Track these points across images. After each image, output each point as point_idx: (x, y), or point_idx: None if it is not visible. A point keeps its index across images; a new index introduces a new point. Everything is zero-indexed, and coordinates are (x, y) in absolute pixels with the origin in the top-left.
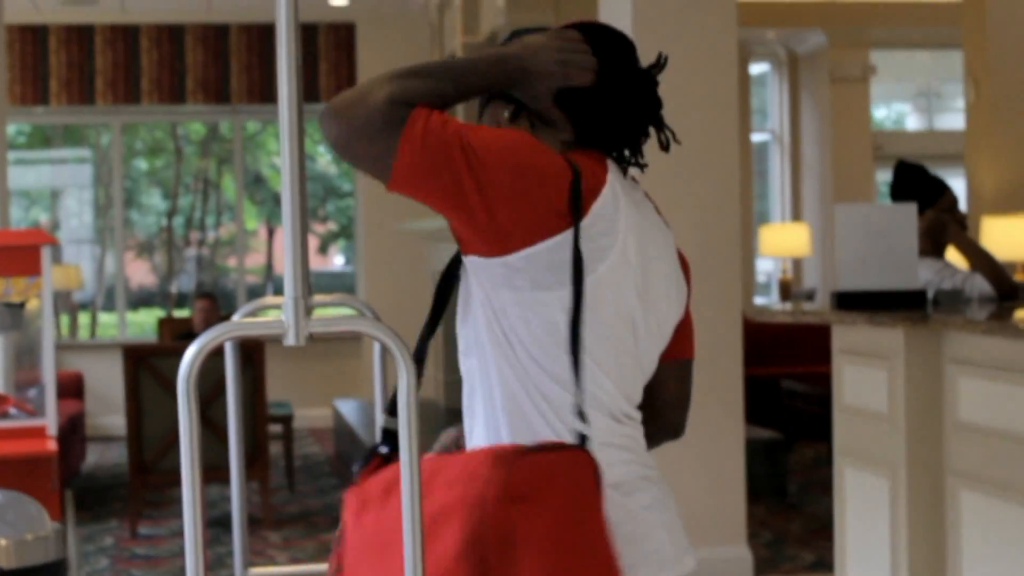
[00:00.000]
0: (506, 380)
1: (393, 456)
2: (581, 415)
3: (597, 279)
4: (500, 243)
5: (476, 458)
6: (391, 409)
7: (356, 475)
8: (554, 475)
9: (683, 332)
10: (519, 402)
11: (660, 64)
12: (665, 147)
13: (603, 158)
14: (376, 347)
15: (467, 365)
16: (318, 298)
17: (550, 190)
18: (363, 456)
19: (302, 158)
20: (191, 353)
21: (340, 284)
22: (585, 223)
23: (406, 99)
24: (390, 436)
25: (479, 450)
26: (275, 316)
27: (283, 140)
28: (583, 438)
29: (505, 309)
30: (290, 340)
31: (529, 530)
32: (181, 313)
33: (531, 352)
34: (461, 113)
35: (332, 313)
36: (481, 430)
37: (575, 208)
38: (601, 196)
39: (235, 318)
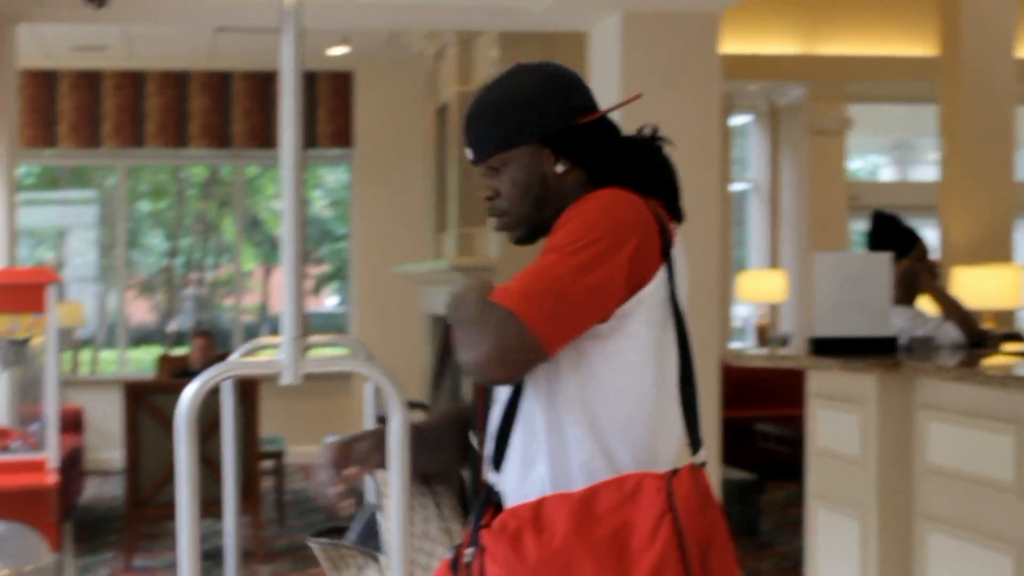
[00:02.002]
0: (559, 410)
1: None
2: (695, 444)
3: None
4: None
5: (634, 477)
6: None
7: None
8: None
9: None
10: (575, 431)
11: (655, 135)
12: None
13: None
14: (367, 386)
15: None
16: (313, 338)
17: (651, 242)
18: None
19: (302, 206)
20: (191, 391)
21: (334, 324)
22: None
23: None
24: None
25: (631, 475)
26: (272, 356)
27: (285, 187)
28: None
29: (585, 349)
30: (287, 379)
31: (717, 536)
32: (180, 351)
33: (614, 386)
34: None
35: (326, 353)
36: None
37: (666, 253)
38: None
39: (233, 357)
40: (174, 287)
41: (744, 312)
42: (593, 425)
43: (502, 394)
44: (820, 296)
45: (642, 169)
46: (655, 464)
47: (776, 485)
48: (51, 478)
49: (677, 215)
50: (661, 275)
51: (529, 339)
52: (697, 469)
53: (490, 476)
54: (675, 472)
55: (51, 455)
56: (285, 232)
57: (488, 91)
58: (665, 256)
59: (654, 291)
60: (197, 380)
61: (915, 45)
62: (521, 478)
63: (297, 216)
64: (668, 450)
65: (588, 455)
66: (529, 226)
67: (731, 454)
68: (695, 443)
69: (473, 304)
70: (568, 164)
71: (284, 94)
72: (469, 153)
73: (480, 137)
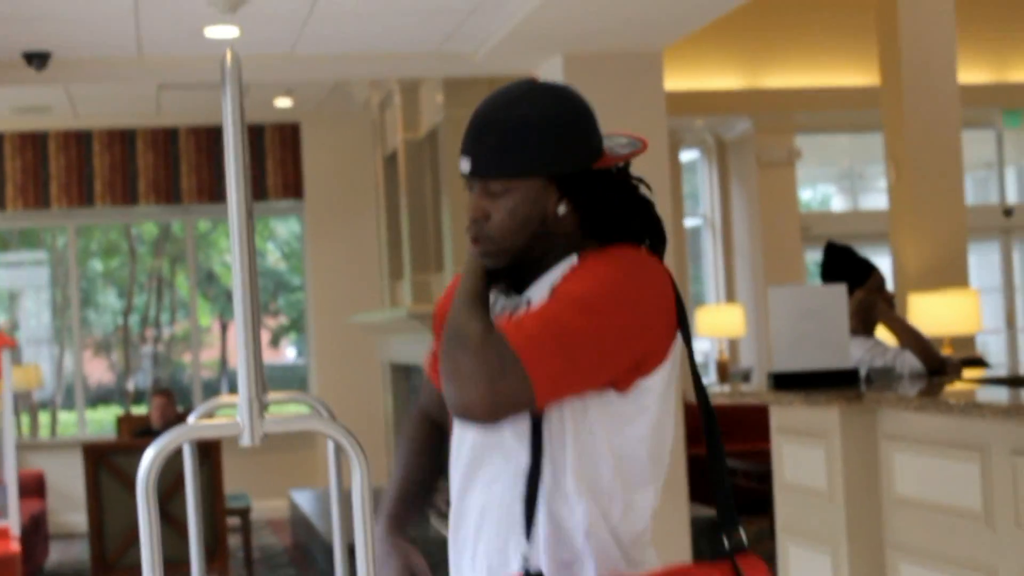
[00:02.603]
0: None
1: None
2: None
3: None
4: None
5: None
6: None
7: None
8: None
9: None
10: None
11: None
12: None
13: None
14: (330, 442)
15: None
16: (273, 395)
17: (669, 317)
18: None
19: (253, 264)
20: (149, 456)
21: (292, 376)
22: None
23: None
24: None
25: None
26: (231, 416)
27: (234, 252)
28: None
29: (587, 409)
30: (245, 441)
31: None
32: (139, 409)
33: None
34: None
35: (287, 411)
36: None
37: (680, 313)
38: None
39: (191, 419)
40: (131, 345)
41: (704, 347)
42: (593, 491)
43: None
44: (777, 331)
45: (637, 223)
46: (640, 523)
47: (747, 520)
48: (13, 545)
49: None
50: (676, 348)
51: (527, 391)
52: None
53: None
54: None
55: (12, 522)
56: (237, 293)
57: (509, 106)
58: (682, 324)
59: (668, 367)
60: (155, 445)
61: (858, 74)
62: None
63: (250, 276)
64: (648, 512)
65: (589, 520)
66: (511, 258)
67: (699, 491)
68: (730, 523)
69: (477, 325)
70: (570, 207)
71: (227, 150)
72: (467, 164)
73: (490, 154)
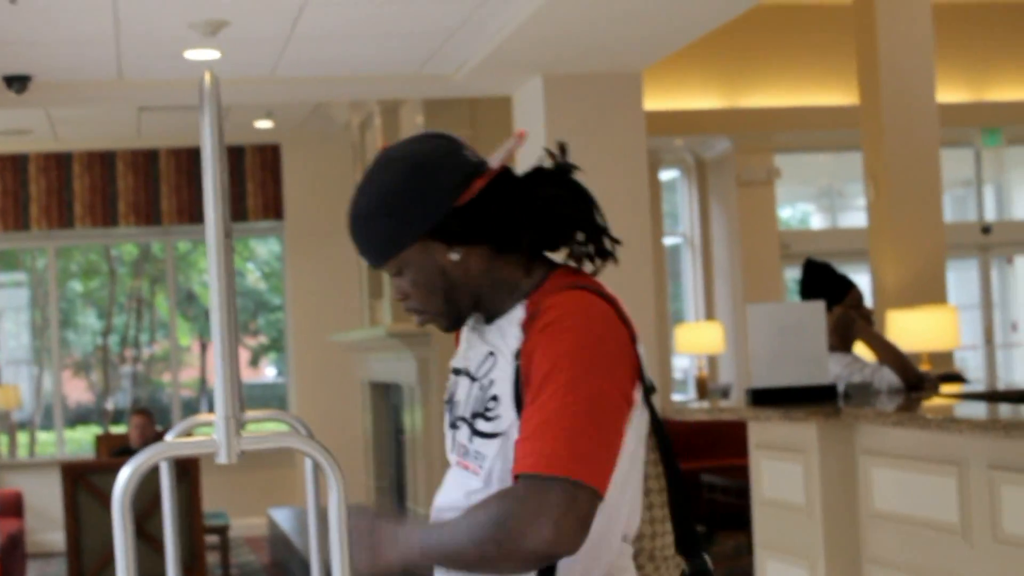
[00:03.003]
0: None
1: None
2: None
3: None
4: None
5: None
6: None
7: None
8: None
9: None
10: None
11: (564, 157)
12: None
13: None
14: (308, 460)
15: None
16: (250, 413)
17: (628, 357)
18: None
19: (231, 284)
20: (124, 475)
21: (272, 395)
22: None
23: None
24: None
25: None
26: (208, 434)
27: (211, 268)
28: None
29: None
30: (222, 459)
31: None
32: (118, 429)
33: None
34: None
35: (264, 428)
36: None
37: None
38: None
39: (168, 437)
40: (110, 365)
41: (684, 364)
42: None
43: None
44: (755, 347)
45: (550, 222)
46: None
47: (726, 535)
48: None
49: (603, 253)
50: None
51: (597, 499)
52: None
53: None
54: None
55: None
56: (214, 313)
57: (361, 194)
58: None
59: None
60: (130, 463)
61: (837, 94)
62: None
63: (227, 296)
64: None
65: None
66: (449, 317)
67: None
68: (692, 548)
69: (494, 515)
70: (463, 248)
71: (205, 170)
72: (366, 259)
73: (366, 245)
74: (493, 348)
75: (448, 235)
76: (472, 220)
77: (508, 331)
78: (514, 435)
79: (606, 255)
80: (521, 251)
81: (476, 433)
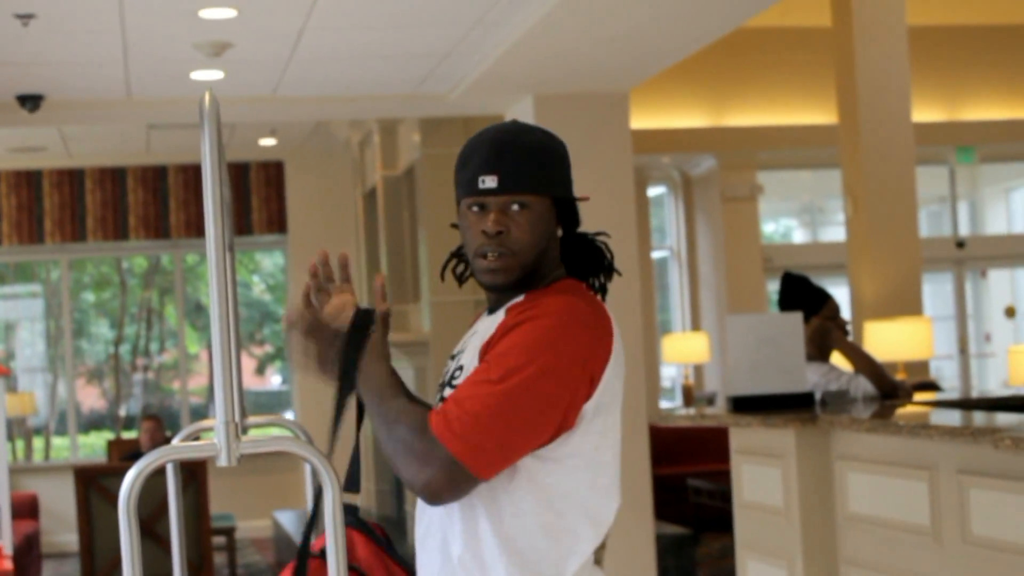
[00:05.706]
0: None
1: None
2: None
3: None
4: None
5: None
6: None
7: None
8: None
9: None
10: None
11: None
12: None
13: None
14: (307, 465)
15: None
16: (252, 419)
17: (603, 353)
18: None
19: (235, 294)
20: (130, 477)
21: (277, 402)
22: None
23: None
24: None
25: None
26: (211, 438)
27: (212, 274)
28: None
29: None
30: (222, 461)
31: None
32: (129, 434)
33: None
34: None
35: (266, 433)
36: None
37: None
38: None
39: (175, 442)
40: (122, 373)
41: (671, 373)
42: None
43: None
44: (735, 357)
45: (589, 255)
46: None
47: (711, 538)
48: (6, 564)
49: (604, 291)
50: (604, 384)
51: (471, 478)
52: None
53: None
54: None
55: (4, 542)
56: (214, 323)
57: (522, 133)
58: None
59: (597, 401)
60: (136, 466)
61: (818, 114)
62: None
63: (228, 306)
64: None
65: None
66: (522, 274)
67: (665, 510)
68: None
69: (406, 430)
70: (560, 232)
71: (205, 184)
72: (493, 181)
73: (517, 170)
74: (479, 330)
75: (562, 213)
76: (574, 216)
77: (500, 317)
78: None
79: (604, 292)
80: (572, 266)
81: (442, 400)
